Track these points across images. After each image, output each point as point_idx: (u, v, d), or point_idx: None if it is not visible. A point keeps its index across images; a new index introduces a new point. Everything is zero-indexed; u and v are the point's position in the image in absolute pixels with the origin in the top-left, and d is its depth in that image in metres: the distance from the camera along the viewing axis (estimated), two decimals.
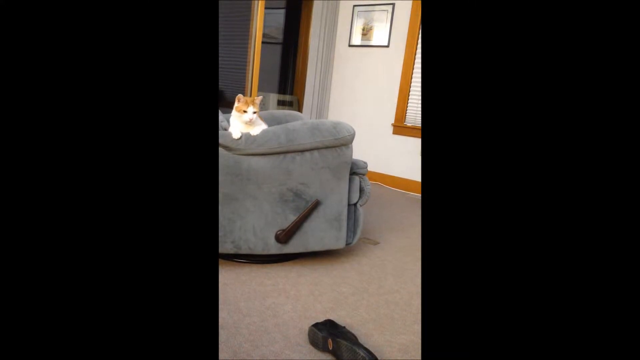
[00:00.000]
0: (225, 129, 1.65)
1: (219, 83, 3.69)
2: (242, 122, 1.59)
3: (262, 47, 3.36)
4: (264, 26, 3.61)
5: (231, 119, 1.67)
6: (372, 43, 3.84)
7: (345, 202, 1.76)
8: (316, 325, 1.22)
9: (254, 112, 1.58)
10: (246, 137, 1.58)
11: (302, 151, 1.62)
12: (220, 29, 3.58)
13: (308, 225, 1.71)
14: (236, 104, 1.61)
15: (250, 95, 3.40)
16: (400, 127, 3.73)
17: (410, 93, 3.68)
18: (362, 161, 1.92)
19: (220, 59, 3.62)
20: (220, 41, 3.60)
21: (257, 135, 1.59)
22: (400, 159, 3.77)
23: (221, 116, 1.73)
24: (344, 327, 1.24)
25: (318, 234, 1.73)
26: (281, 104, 4.09)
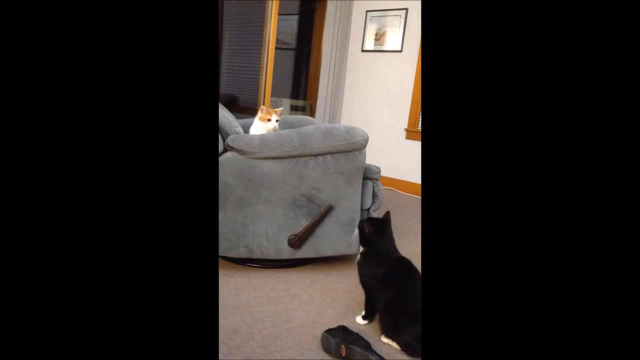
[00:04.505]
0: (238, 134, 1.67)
1: (233, 88, 3.72)
2: (266, 130, 1.77)
3: (275, 52, 3.38)
4: (278, 32, 3.63)
5: (252, 128, 1.81)
6: (385, 48, 3.84)
7: (358, 207, 1.75)
8: (329, 331, 1.21)
9: (277, 121, 1.79)
10: (260, 139, 1.59)
11: (315, 155, 1.62)
12: (234, 35, 3.62)
13: (321, 231, 1.71)
14: (259, 114, 1.81)
15: (264, 101, 3.42)
16: (413, 132, 3.71)
17: None
18: (375, 166, 1.91)
19: (233, 64, 3.66)
20: (234, 47, 3.64)
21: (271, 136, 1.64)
22: (413, 164, 3.75)
23: (236, 121, 1.74)
24: (357, 333, 1.22)
25: (331, 239, 1.72)
26: (294, 109, 4.11)
